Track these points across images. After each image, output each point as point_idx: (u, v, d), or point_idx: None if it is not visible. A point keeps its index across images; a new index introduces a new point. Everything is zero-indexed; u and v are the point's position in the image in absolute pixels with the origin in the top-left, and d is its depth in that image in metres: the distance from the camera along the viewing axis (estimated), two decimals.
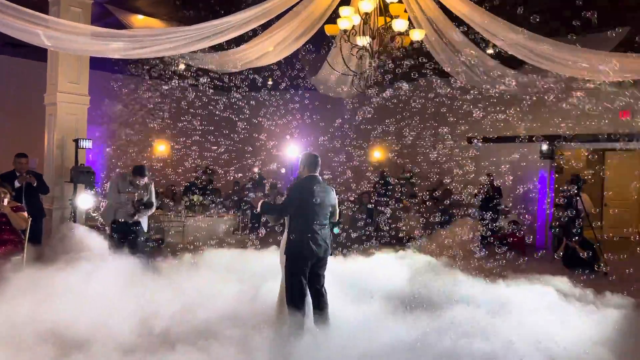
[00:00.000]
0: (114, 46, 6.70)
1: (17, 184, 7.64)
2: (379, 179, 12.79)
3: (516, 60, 7.52)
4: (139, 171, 7.23)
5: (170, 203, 11.16)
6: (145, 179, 7.24)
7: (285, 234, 5.25)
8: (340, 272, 6.79)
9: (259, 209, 5.27)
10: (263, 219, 8.34)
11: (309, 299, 5.20)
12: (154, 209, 7.57)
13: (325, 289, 5.31)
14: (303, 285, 5.06)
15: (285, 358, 4.37)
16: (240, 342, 4.53)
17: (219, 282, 6.26)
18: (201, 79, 9.74)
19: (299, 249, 5.07)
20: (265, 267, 6.74)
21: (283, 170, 14.68)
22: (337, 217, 5.55)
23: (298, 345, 4.52)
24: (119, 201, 7.19)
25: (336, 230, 9.45)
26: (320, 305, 5.20)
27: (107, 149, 13.42)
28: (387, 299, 5.95)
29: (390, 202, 11.12)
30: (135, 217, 7.19)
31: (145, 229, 7.50)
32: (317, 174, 5.29)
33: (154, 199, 7.43)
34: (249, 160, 14.22)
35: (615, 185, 13.33)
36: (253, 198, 5.54)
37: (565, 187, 10.96)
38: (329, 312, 5.22)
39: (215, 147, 13.88)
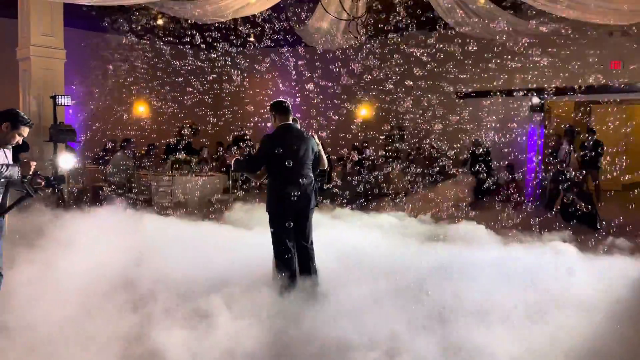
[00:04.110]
0: None
1: None
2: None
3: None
4: (21, 118, 4.18)
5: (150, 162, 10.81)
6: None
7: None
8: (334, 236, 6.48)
9: (232, 167, 4.94)
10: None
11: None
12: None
13: (312, 246, 4.96)
14: (287, 242, 4.77)
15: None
16: (233, 302, 4.32)
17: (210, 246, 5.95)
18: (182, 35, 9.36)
19: (278, 204, 4.75)
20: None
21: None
22: (325, 165, 5.19)
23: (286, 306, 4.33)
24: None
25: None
26: (306, 264, 4.89)
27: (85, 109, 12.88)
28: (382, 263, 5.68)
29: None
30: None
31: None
32: (289, 121, 4.85)
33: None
34: (237, 122, 13.84)
35: (601, 138, 13.30)
36: (228, 156, 5.25)
37: (556, 140, 10.93)
38: (317, 272, 4.91)
39: (197, 108, 13.46)
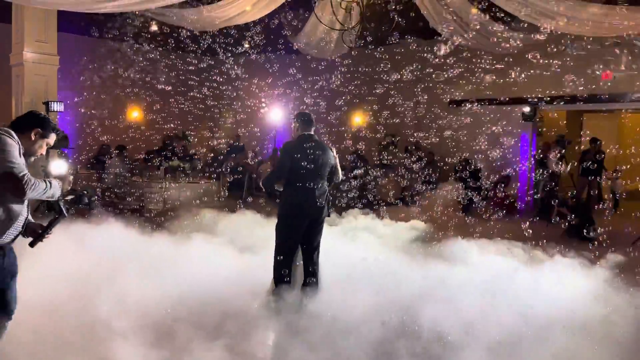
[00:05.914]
0: None
1: None
2: None
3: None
4: (53, 125, 3.36)
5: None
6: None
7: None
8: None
9: (263, 188, 5.06)
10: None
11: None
12: None
13: (317, 257, 4.98)
14: (290, 248, 4.83)
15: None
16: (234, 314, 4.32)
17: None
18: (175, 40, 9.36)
19: (290, 210, 4.79)
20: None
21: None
22: (340, 178, 5.21)
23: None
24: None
25: None
26: (308, 273, 4.94)
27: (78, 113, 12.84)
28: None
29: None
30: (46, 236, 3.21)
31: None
32: (311, 132, 4.93)
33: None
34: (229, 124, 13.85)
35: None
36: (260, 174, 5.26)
37: (545, 149, 10.98)
38: (318, 282, 4.94)
39: (190, 114, 13.48)
